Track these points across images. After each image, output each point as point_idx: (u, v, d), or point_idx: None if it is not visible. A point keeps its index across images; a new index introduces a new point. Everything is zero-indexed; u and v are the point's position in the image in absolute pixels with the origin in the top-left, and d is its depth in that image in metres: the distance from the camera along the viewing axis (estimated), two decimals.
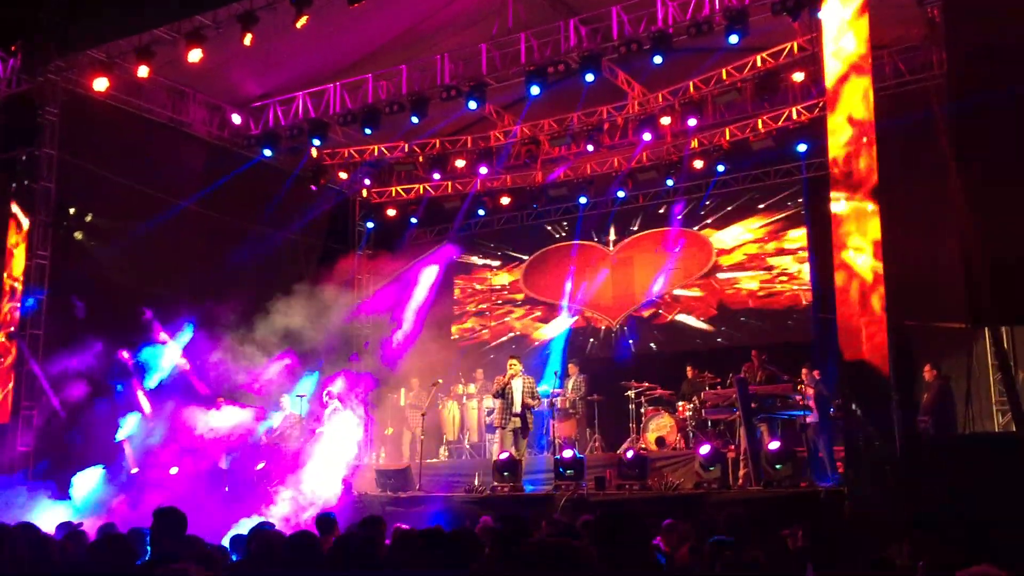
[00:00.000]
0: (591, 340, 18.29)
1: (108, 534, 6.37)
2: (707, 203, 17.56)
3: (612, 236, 18.55)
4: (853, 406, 10.34)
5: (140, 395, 14.17)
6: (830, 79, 11.04)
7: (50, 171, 14.58)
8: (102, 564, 5.26)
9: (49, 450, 13.74)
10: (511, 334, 19.13)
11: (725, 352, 15.96)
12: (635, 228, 18.35)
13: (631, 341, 17.88)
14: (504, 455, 13.37)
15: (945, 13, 11.81)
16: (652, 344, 17.73)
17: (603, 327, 18.27)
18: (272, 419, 14.63)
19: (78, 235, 14.62)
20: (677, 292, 17.68)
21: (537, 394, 14.51)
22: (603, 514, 4.77)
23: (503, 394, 14.18)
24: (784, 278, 16.76)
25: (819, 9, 11.34)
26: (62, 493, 12.67)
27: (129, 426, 13.83)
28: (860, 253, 10.44)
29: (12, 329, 14.25)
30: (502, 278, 19.57)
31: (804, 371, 13.17)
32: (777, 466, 11.60)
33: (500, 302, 19.45)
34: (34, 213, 14.50)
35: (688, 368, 15.13)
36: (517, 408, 14.06)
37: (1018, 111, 10.05)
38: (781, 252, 16.90)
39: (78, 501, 12.59)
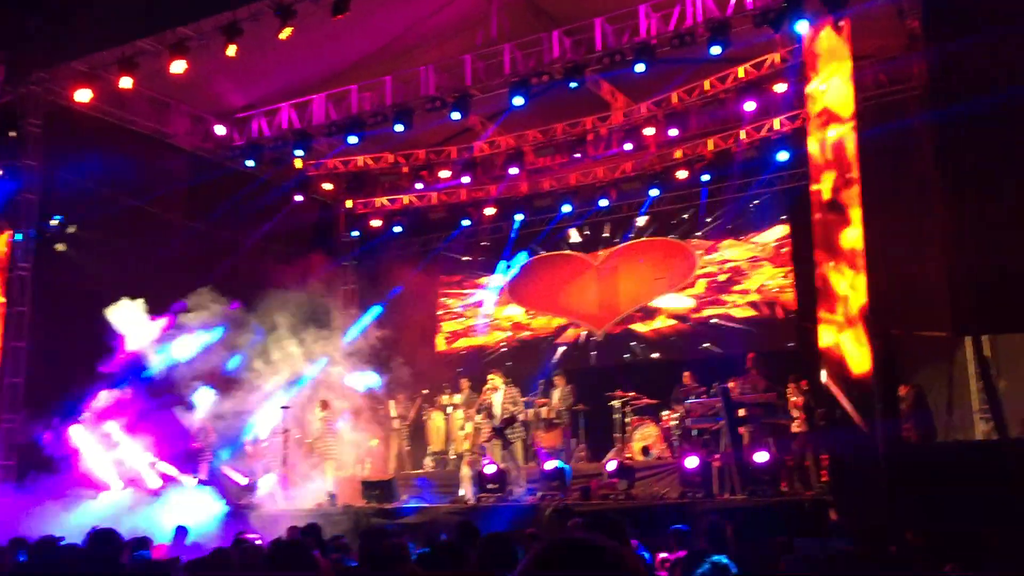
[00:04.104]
0: (576, 350, 18.28)
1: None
2: (691, 212, 17.63)
3: (597, 246, 18.59)
4: (836, 415, 10.39)
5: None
6: (811, 92, 11.12)
7: (32, 182, 14.52)
8: None
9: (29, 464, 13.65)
10: (496, 344, 19.11)
11: (708, 361, 15.95)
12: (619, 238, 18.37)
13: (616, 350, 17.89)
14: (491, 466, 13.36)
15: (924, 24, 11.91)
16: (637, 353, 17.75)
17: (588, 337, 18.27)
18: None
19: (60, 246, 14.52)
20: (661, 301, 17.71)
21: (519, 402, 14.48)
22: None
23: (486, 409, 14.27)
24: (767, 287, 16.80)
25: (800, 20, 11.42)
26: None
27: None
28: (842, 262, 10.50)
29: None
30: (487, 288, 19.55)
31: (791, 385, 13.08)
32: (762, 475, 11.62)
33: (485, 312, 19.41)
34: (16, 225, 14.44)
35: (686, 375, 14.80)
36: (498, 422, 14.07)
37: (999, 119, 10.13)
38: (764, 261, 16.94)
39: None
